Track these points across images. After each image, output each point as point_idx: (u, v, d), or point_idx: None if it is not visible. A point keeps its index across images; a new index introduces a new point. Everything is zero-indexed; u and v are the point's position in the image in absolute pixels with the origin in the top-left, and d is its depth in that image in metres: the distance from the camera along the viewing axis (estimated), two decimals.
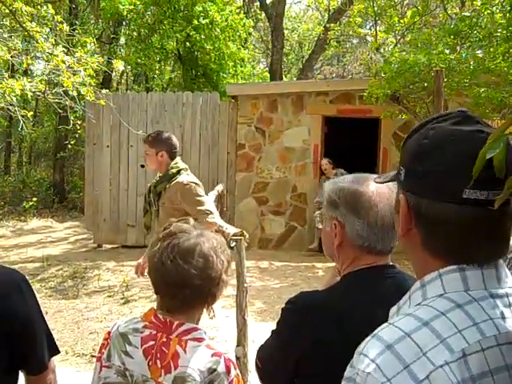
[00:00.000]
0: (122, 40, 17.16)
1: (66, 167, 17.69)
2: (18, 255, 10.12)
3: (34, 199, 15.09)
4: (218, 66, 13.87)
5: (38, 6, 8.42)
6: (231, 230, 4.32)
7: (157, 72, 17.07)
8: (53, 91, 7.66)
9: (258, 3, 18.86)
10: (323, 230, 1.78)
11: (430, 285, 1.05)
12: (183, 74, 14.84)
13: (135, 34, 13.98)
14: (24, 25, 7.42)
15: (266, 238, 10.53)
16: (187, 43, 13.54)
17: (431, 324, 0.97)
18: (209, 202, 4.42)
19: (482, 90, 7.42)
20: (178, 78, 16.73)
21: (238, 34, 14.19)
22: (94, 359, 1.95)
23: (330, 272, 1.95)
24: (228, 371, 1.76)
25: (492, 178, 0.98)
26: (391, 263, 1.71)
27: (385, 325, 1.02)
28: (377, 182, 1.41)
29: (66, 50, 7.52)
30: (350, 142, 12.14)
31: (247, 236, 4.24)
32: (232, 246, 3.95)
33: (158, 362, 1.75)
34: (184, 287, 1.76)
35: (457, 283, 1.02)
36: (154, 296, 1.92)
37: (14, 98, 7.13)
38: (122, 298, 7.38)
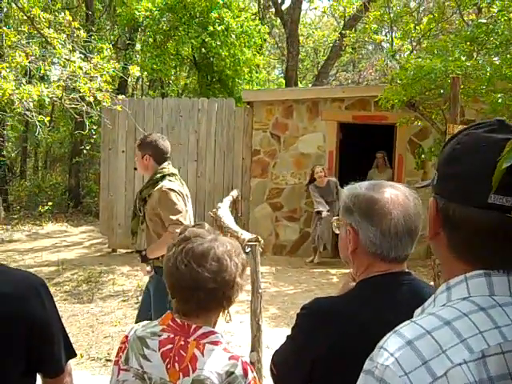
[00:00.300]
0: (138, 46, 17.24)
1: (82, 172, 17.81)
2: (33, 259, 10.19)
3: (50, 204, 15.22)
4: (234, 72, 13.89)
5: (56, 13, 8.52)
6: (246, 235, 4.33)
7: (172, 78, 17.15)
8: (69, 96, 7.72)
9: (273, 10, 18.90)
10: (340, 235, 1.79)
11: (455, 288, 1.06)
12: (198, 80, 14.88)
13: (151, 40, 14.04)
14: (42, 31, 7.51)
15: (281, 244, 10.52)
16: (203, 49, 13.58)
17: (453, 324, 0.98)
18: (184, 212, 4.11)
19: (499, 96, 7.39)
20: (194, 84, 16.77)
21: (254, 40, 14.19)
22: (109, 363, 1.96)
23: (344, 278, 1.95)
24: (245, 374, 1.77)
25: None
26: (407, 270, 1.71)
27: (407, 322, 1.03)
28: (417, 188, 1.43)
29: (82, 56, 7.59)
30: (364, 149, 12.10)
31: (262, 242, 4.24)
32: (247, 251, 3.95)
33: (176, 365, 1.76)
34: (198, 290, 1.77)
35: (482, 288, 1.03)
36: None
37: (31, 104, 7.21)
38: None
